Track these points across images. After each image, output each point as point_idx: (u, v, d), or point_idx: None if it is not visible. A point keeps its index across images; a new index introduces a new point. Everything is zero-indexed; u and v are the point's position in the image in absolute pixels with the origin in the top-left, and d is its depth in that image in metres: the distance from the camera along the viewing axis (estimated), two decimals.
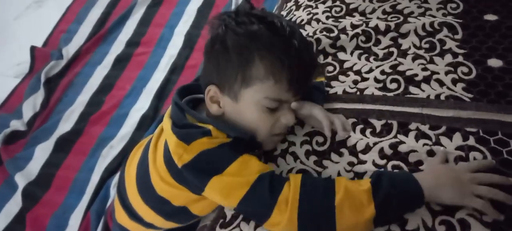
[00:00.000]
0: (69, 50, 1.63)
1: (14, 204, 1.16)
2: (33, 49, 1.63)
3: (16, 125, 1.36)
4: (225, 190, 0.59)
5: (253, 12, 0.65)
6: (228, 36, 0.63)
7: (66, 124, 1.36)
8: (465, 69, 0.75)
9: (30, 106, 1.42)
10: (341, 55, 0.86)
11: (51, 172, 1.23)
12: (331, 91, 0.80)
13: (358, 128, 0.71)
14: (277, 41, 0.61)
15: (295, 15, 1.00)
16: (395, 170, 0.63)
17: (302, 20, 0.97)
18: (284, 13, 1.06)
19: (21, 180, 1.20)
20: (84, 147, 1.30)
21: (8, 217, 1.14)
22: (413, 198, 0.55)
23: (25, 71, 1.58)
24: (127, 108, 1.41)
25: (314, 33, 0.91)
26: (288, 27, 0.62)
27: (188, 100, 0.72)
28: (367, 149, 0.68)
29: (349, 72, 0.82)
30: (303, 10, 1.01)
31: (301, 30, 0.91)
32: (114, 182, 1.15)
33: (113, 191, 1.13)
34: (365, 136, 0.70)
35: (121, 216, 0.84)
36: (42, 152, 1.28)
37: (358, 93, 0.77)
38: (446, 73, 0.75)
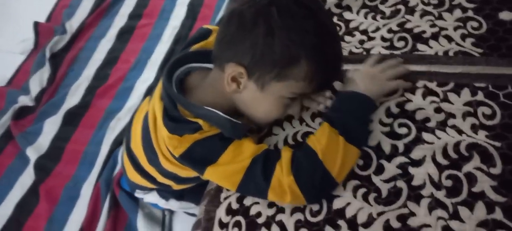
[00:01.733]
0: (73, 25, 1.62)
1: (28, 176, 1.19)
2: (36, 24, 1.62)
3: (24, 100, 1.38)
4: (222, 177, 0.61)
5: None
6: (277, 24, 0.55)
7: (73, 98, 1.38)
8: (475, 24, 0.73)
9: (37, 81, 1.43)
10: (347, 15, 0.84)
11: (61, 145, 1.25)
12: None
13: None
14: (325, 46, 0.58)
15: None
16: (402, 128, 0.63)
17: None
18: None
19: (33, 153, 1.22)
20: (92, 120, 1.31)
21: (23, 189, 1.17)
22: (364, 105, 0.63)
23: (30, 48, 1.58)
24: (133, 80, 1.41)
25: None
26: (333, 29, 0.61)
27: (178, 76, 0.67)
28: None
29: (355, 32, 0.80)
30: None
31: None
32: (121, 151, 1.16)
33: (120, 160, 1.15)
34: None
35: (133, 175, 0.85)
36: (51, 126, 1.29)
37: (364, 53, 0.76)
38: (455, 28, 0.73)
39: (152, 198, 0.89)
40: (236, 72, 0.59)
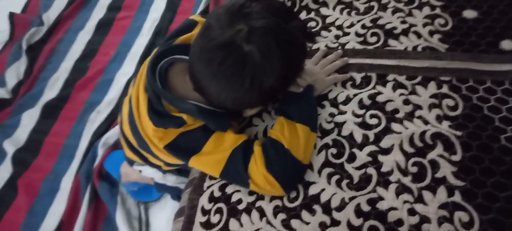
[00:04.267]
0: (50, 17, 1.60)
1: (5, 170, 1.18)
2: (11, 15, 1.58)
3: (1, 92, 1.35)
4: (205, 165, 0.65)
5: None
6: (259, 77, 0.52)
7: (52, 90, 1.36)
8: (442, 21, 0.77)
9: (14, 74, 1.40)
10: (323, 11, 0.87)
11: (40, 138, 1.24)
12: (314, 46, 0.82)
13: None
14: (296, 74, 0.61)
15: None
16: (373, 119, 0.67)
17: None
18: None
19: (10, 146, 1.21)
20: (71, 113, 1.30)
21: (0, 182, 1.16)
22: (308, 94, 0.69)
23: (5, 39, 1.55)
24: (112, 73, 1.40)
25: None
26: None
27: (162, 66, 0.67)
28: (347, 101, 0.71)
29: (331, 28, 0.84)
30: None
31: None
32: (101, 142, 1.17)
33: (100, 151, 1.15)
34: (346, 88, 0.73)
35: (128, 153, 0.86)
36: (29, 119, 1.28)
37: (339, 48, 0.79)
38: (424, 25, 0.78)
39: (149, 171, 0.90)
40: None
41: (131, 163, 0.92)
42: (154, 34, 1.51)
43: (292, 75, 0.59)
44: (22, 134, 1.25)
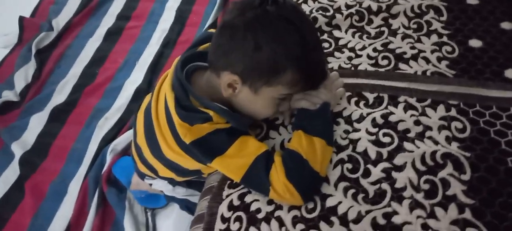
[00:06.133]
0: (59, 22, 1.62)
1: (12, 172, 1.18)
2: (21, 19, 1.61)
3: (9, 95, 1.36)
4: (228, 168, 0.67)
5: (286, 10, 0.63)
6: (263, 40, 0.61)
7: (60, 95, 1.38)
8: (449, 48, 0.83)
9: (22, 77, 1.42)
10: (336, 33, 0.92)
11: (48, 141, 1.25)
12: (328, 66, 0.86)
13: (353, 100, 0.78)
14: (307, 56, 0.64)
15: None
16: (386, 137, 0.71)
17: None
18: None
19: (18, 149, 1.22)
20: (80, 117, 1.32)
21: (6, 184, 1.16)
22: (325, 110, 0.71)
23: (13, 42, 1.57)
24: (121, 80, 1.43)
25: (311, 11, 0.96)
26: (314, 39, 0.67)
27: (187, 71, 0.73)
28: (361, 119, 0.74)
29: (344, 49, 0.88)
30: None
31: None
32: (110, 149, 1.19)
33: (109, 157, 1.17)
34: (359, 107, 0.77)
35: (141, 166, 0.89)
36: (37, 122, 1.29)
37: (352, 68, 0.84)
38: (432, 51, 0.83)
39: (159, 184, 0.92)
40: (231, 80, 0.66)
41: (142, 177, 0.94)
42: (162, 45, 1.55)
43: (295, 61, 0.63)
44: (30, 136, 1.26)
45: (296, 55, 0.63)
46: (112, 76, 1.44)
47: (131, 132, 1.22)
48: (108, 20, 1.66)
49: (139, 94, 1.36)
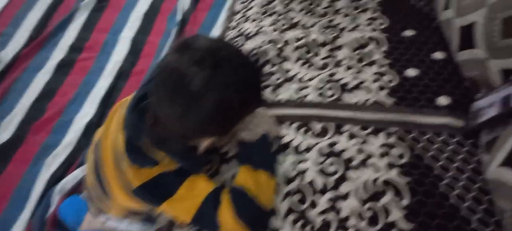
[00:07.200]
0: (6, 55, 1.55)
1: None
2: None
3: None
4: (177, 210, 0.67)
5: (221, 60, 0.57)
6: (203, 97, 0.56)
7: (5, 132, 1.30)
8: (389, 78, 0.88)
9: None
10: (286, 65, 0.95)
11: None
12: (277, 98, 0.88)
13: (301, 130, 0.80)
14: (246, 101, 0.62)
15: (243, 27, 1.08)
16: (331, 166, 0.73)
17: (250, 32, 1.04)
18: (233, 24, 1.12)
19: None
20: (26, 155, 1.25)
21: None
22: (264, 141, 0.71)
23: None
24: (71, 115, 1.38)
25: (262, 45, 0.99)
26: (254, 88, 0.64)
27: (141, 108, 0.69)
28: (308, 149, 0.77)
29: (293, 81, 0.91)
30: (251, 23, 1.08)
31: (251, 41, 1.00)
32: (58, 189, 1.13)
33: (56, 198, 1.12)
34: (307, 137, 0.79)
35: (93, 203, 0.85)
36: None
37: (301, 99, 0.87)
38: (373, 81, 0.87)
39: (113, 221, 0.89)
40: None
41: (95, 213, 0.91)
42: (116, 76, 1.51)
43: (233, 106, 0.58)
44: None
45: (230, 105, 0.59)
46: (62, 111, 1.39)
47: (81, 169, 1.18)
48: (59, 52, 1.61)
49: (90, 129, 1.31)
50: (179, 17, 1.71)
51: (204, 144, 0.68)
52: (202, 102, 0.56)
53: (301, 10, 1.08)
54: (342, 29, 1.00)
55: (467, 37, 0.83)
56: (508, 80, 0.75)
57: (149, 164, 0.64)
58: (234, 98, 0.57)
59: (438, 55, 0.91)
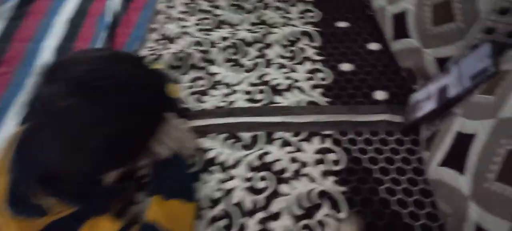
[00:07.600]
0: None
1: None
2: None
3: None
4: None
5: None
6: (90, 132, 0.49)
7: None
8: (323, 75, 0.81)
9: None
10: (212, 68, 0.86)
11: None
12: (203, 106, 0.79)
13: (229, 142, 0.72)
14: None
15: (166, 28, 0.97)
16: (262, 182, 0.65)
17: (175, 34, 0.94)
18: (156, 26, 1.01)
19: None
20: None
21: None
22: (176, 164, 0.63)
23: None
24: None
25: (186, 47, 0.89)
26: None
27: None
28: (236, 164, 0.68)
29: (220, 86, 0.82)
30: (174, 23, 0.98)
31: (175, 44, 0.90)
32: None
33: None
34: (235, 150, 0.71)
35: None
36: None
37: (228, 106, 0.78)
38: (306, 80, 0.80)
39: None
40: None
41: None
42: None
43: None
44: None
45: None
46: None
47: None
48: None
49: None
50: (109, 19, 1.57)
51: (111, 176, 0.58)
52: (91, 138, 0.49)
53: (229, 5, 0.99)
54: (272, 25, 0.92)
55: (400, 26, 0.78)
56: (443, 69, 0.71)
57: (35, 215, 0.53)
58: (126, 124, 0.50)
59: (373, 46, 0.86)
